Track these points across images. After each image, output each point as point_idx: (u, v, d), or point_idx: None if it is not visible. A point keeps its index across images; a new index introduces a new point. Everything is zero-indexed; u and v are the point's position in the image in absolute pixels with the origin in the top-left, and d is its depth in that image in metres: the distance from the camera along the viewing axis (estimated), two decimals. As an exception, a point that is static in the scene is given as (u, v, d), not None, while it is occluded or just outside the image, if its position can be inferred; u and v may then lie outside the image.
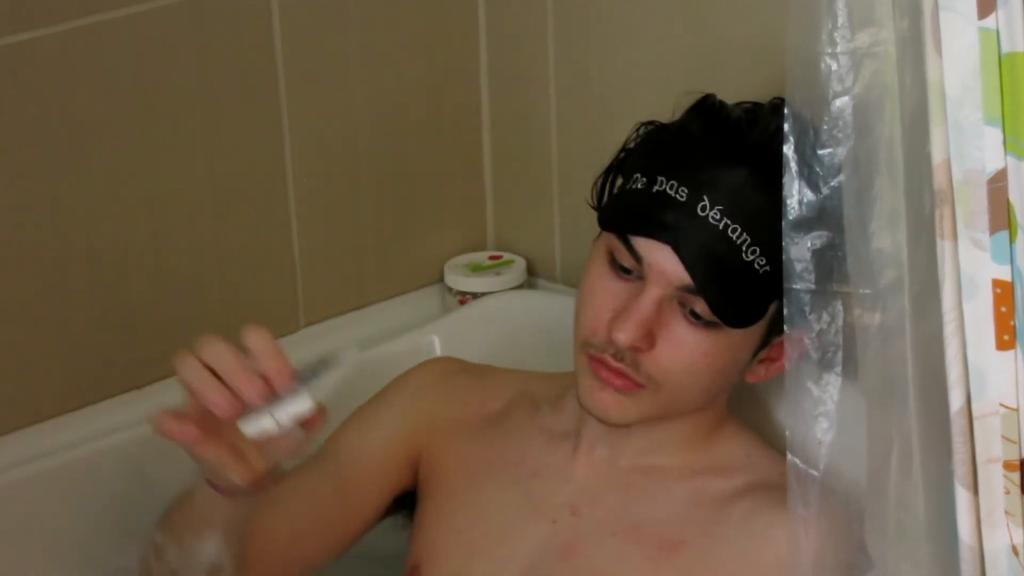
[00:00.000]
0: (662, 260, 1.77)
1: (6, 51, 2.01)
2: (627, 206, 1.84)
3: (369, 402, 2.01)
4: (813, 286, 1.58)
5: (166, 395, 2.16)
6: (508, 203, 2.55)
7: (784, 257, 1.59)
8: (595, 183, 1.93)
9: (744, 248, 1.78)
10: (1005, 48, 1.44)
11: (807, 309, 1.59)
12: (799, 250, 1.58)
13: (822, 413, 1.60)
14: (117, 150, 2.12)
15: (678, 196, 1.78)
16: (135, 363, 2.19)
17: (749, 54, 2.10)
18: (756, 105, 1.89)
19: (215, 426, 1.62)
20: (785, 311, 1.60)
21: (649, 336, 1.78)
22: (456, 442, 1.98)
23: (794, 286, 1.59)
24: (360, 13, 2.30)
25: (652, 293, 1.78)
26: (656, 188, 1.80)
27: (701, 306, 1.77)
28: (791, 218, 1.58)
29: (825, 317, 1.58)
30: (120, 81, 2.12)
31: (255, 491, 1.68)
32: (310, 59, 2.25)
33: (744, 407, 2.04)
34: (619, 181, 1.91)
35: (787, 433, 1.65)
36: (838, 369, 1.59)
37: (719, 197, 1.78)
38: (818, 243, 1.57)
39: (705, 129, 1.85)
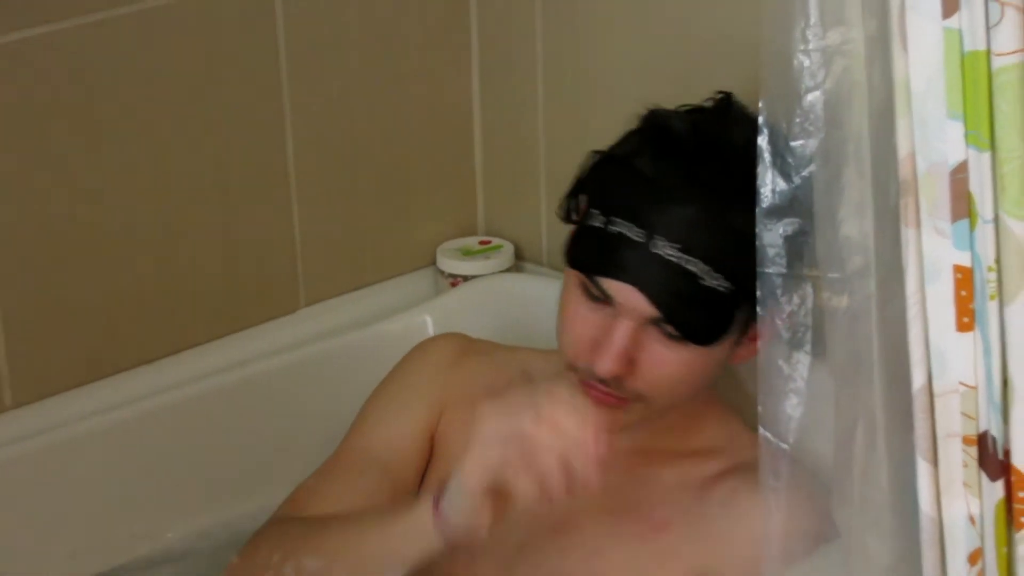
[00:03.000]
0: (628, 298, 1.78)
1: (26, 43, 2.01)
2: (588, 246, 1.84)
3: (386, 388, 2.01)
4: (784, 270, 1.58)
5: (174, 370, 2.18)
6: (497, 192, 2.56)
7: (757, 243, 1.59)
8: (559, 207, 1.92)
9: (704, 276, 1.79)
10: (967, 47, 1.44)
11: (779, 292, 1.59)
12: (772, 236, 1.58)
13: (792, 390, 1.60)
14: (128, 137, 2.13)
15: (635, 237, 1.79)
16: (144, 338, 2.19)
17: (727, 47, 2.09)
18: (702, 115, 1.89)
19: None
20: (758, 293, 1.60)
21: (629, 363, 1.79)
22: (461, 417, 1.96)
23: (767, 270, 1.59)
24: (360, 7, 2.30)
25: (625, 325, 1.79)
26: (612, 228, 1.81)
27: (672, 328, 1.79)
28: (764, 206, 1.57)
29: (796, 299, 1.58)
30: (131, 72, 2.12)
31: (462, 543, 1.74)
32: (311, 52, 2.26)
33: (730, 391, 2.06)
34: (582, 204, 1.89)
35: (759, 408, 1.65)
36: (807, 348, 1.59)
37: (674, 233, 1.78)
38: (790, 229, 1.57)
39: (655, 166, 1.84)
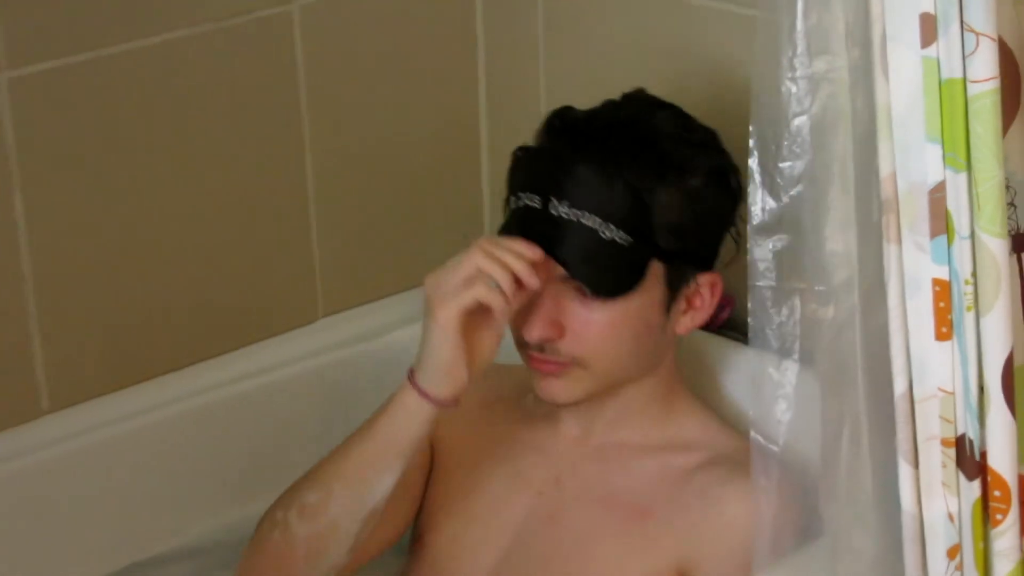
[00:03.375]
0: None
1: (63, 72, 2.01)
2: (506, 225, 1.87)
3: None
4: (774, 283, 1.58)
5: (201, 377, 2.19)
6: (503, 211, 2.56)
7: (749, 258, 1.59)
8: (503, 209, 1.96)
9: (602, 229, 1.79)
10: (945, 74, 1.45)
11: (769, 304, 1.59)
12: (762, 251, 1.57)
13: (781, 395, 1.61)
14: (157, 160, 2.12)
15: (534, 204, 1.82)
16: (172, 347, 2.19)
17: (719, 74, 2.10)
18: (606, 102, 1.94)
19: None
20: (750, 305, 1.60)
21: (556, 325, 1.81)
22: (456, 428, 1.98)
23: (757, 283, 1.58)
24: (373, 40, 2.31)
25: (545, 291, 1.81)
26: (518, 204, 1.84)
27: (582, 285, 1.81)
28: (755, 223, 1.57)
29: (785, 311, 1.58)
30: (159, 98, 2.12)
31: (454, 403, 1.80)
32: (328, 77, 2.25)
33: (700, 384, 2.06)
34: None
35: (750, 413, 1.66)
36: (796, 356, 1.59)
37: (567, 193, 1.80)
38: (779, 245, 1.57)
39: (548, 140, 1.89)
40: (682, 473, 1.88)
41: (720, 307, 2.06)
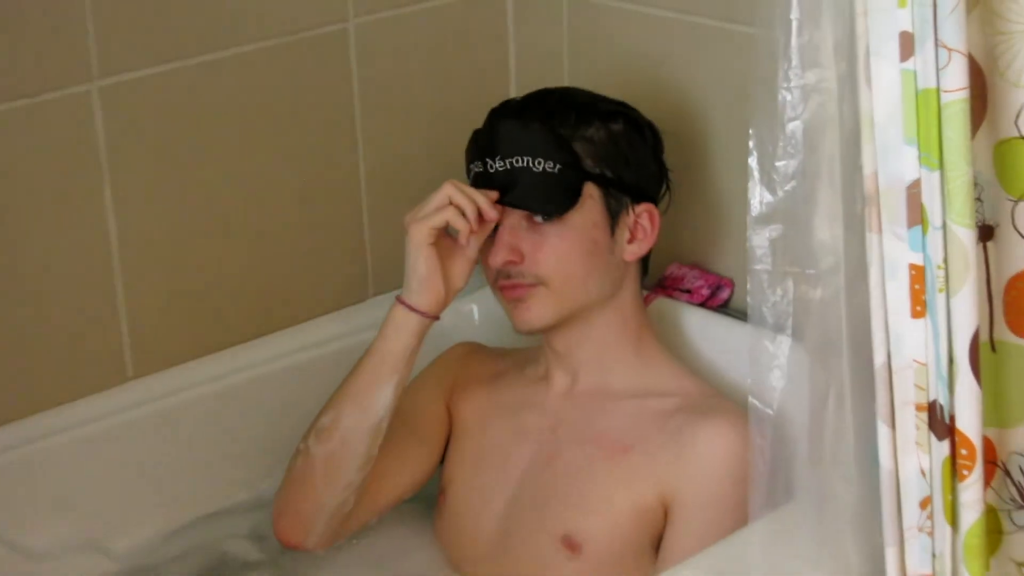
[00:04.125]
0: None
1: (148, 81, 2.02)
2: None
3: (420, 375, 2.04)
4: (770, 268, 1.58)
5: (267, 347, 2.19)
6: None
7: (748, 244, 1.59)
8: None
9: (534, 165, 1.86)
10: (921, 85, 1.46)
11: (765, 285, 1.59)
12: (759, 239, 1.58)
13: (776, 366, 1.61)
14: (229, 155, 2.12)
15: (482, 169, 1.90)
16: (242, 320, 2.20)
17: (727, 84, 2.10)
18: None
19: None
20: (749, 287, 1.60)
21: (515, 251, 1.87)
22: (471, 396, 2.02)
23: (756, 267, 1.59)
24: (418, 55, 2.29)
25: (503, 225, 1.88)
26: (473, 172, 1.92)
27: (529, 212, 1.87)
28: (753, 215, 1.58)
29: (779, 291, 1.58)
30: (231, 102, 2.10)
31: (434, 315, 1.88)
32: (379, 87, 2.24)
33: (702, 357, 2.08)
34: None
35: (748, 381, 1.65)
36: (789, 332, 1.59)
37: (502, 149, 1.88)
38: (774, 234, 1.57)
39: (488, 120, 1.95)
40: (659, 415, 1.89)
41: (720, 288, 2.11)
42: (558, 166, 1.85)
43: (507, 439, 1.97)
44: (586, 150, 1.88)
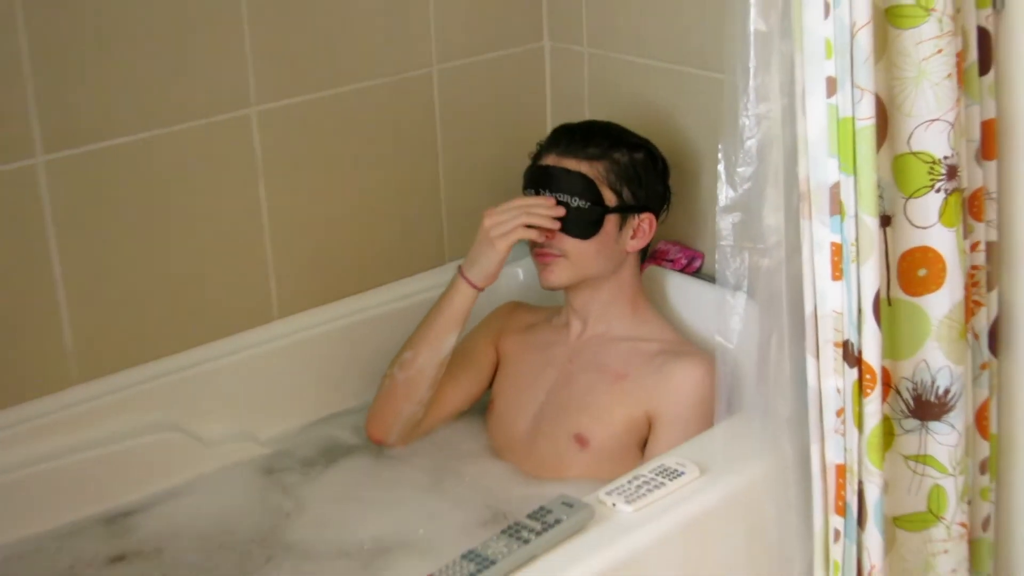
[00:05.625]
0: None
1: (298, 107, 1.98)
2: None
3: (479, 324, 2.02)
4: (732, 244, 1.57)
5: (375, 298, 2.16)
6: None
7: (716, 227, 1.58)
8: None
9: (569, 200, 1.85)
10: (841, 115, 1.46)
11: (728, 256, 1.59)
12: (725, 223, 1.57)
13: (735, 314, 1.61)
14: (347, 163, 2.09)
15: (535, 194, 1.87)
16: (353, 276, 2.15)
17: (704, 114, 2.05)
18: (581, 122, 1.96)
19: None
20: (716, 258, 1.59)
21: (552, 237, 1.86)
22: (513, 338, 2.00)
23: (721, 243, 1.58)
24: (479, 91, 2.22)
25: None
26: (527, 194, 1.89)
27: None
28: (721, 206, 1.57)
29: (738, 261, 1.58)
30: (345, 127, 2.05)
31: (483, 288, 1.87)
32: (455, 112, 2.19)
33: (679, 310, 2.05)
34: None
35: (715, 325, 1.64)
36: (745, 290, 1.59)
37: (547, 186, 1.86)
38: (735, 220, 1.57)
39: (538, 153, 1.93)
40: (647, 355, 1.88)
41: (694, 259, 2.09)
42: (588, 203, 1.85)
43: (537, 367, 1.96)
44: (611, 168, 1.87)
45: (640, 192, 1.90)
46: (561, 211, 1.84)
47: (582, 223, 1.85)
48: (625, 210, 1.88)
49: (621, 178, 1.88)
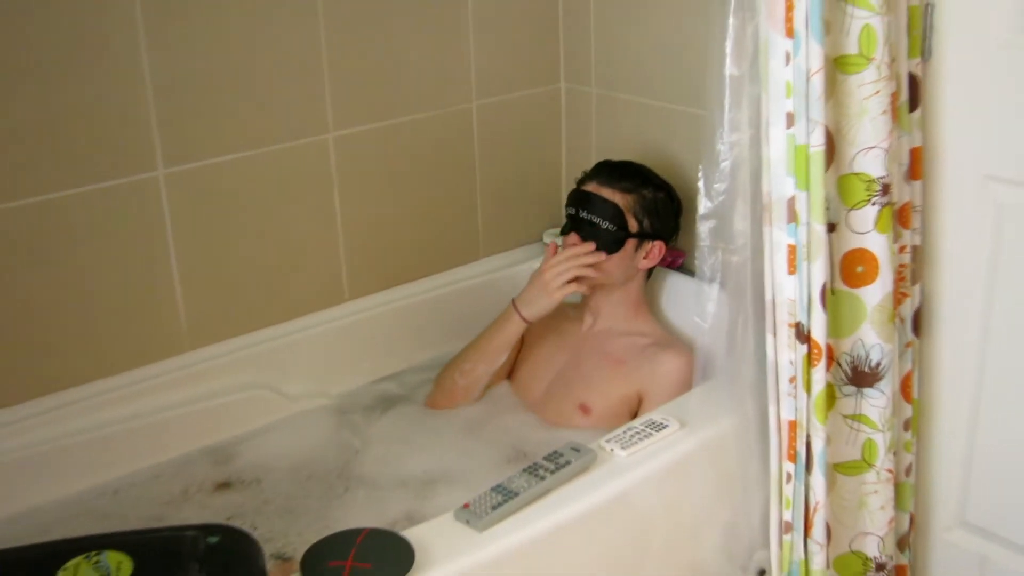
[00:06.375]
0: (574, 235, 1.85)
1: (364, 135, 1.97)
2: (564, 227, 1.89)
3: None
4: (709, 244, 1.57)
5: (427, 284, 2.14)
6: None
7: (697, 230, 1.57)
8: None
9: (600, 222, 1.84)
10: (798, 142, 1.45)
11: (706, 255, 1.58)
12: (704, 228, 1.56)
13: (710, 300, 1.60)
14: (409, 179, 2.08)
15: (575, 212, 1.85)
16: (406, 268, 2.13)
17: (689, 142, 2.02)
18: (608, 160, 1.93)
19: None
20: (696, 256, 1.58)
21: (579, 243, 1.84)
22: (537, 326, 1.94)
23: (701, 244, 1.57)
24: (510, 121, 2.19)
25: (575, 237, 1.85)
26: (568, 212, 1.87)
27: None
28: (700, 214, 1.55)
29: (713, 258, 1.58)
30: (407, 149, 2.03)
31: (532, 322, 1.85)
32: (490, 143, 2.14)
33: (666, 298, 2.03)
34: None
35: (695, 309, 1.63)
36: (718, 281, 1.58)
37: (584, 208, 1.84)
38: (712, 225, 1.56)
39: (581, 180, 1.90)
40: (641, 347, 1.87)
41: (677, 257, 2.07)
42: (615, 227, 1.85)
43: (553, 348, 1.95)
44: (638, 201, 1.87)
45: (657, 224, 1.89)
46: (601, 257, 1.84)
47: (608, 241, 1.85)
48: (642, 236, 1.88)
49: (644, 210, 1.88)
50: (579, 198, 1.87)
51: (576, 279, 1.83)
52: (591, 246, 1.83)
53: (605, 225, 1.84)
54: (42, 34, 1.61)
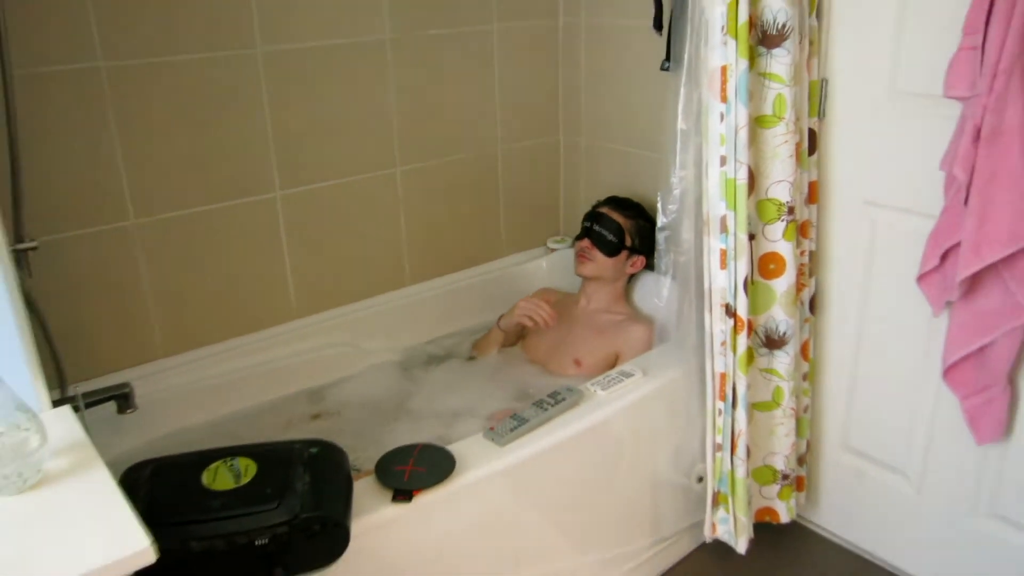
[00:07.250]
0: (586, 241, 1.86)
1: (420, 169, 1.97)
2: (579, 234, 1.89)
3: (526, 297, 1.93)
4: (664, 248, 1.59)
5: (468, 274, 2.12)
6: (570, 216, 2.24)
7: (656, 239, 1.59)
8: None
9: (605, 233, 1.85)
10: (729, 176, 1.46)
11: (662, 256, 1.59)
12: (661, 237, 1.58)
13: (666, 288, 1.63)
14: (453, 191, 2.03)
15: (587, 225, 1.86)
16: (449, 261, 2.07)
17: (652, 177, 1.99)
18: (612, 196, 1.93)
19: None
20: (655, 258, 1.61)
21: (589, 248, 1.86)
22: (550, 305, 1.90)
23: (659, 248, 1.59)
24: (524, 163, 2.13)
25: (587, 243, 1.85)
26: (583, 224, 1.88)
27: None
28: (658, 227, 1.57)
29: (668, 259, 1.59)
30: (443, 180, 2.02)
31: (513, 341, 1.87)
32: (506, 174, 2.10)
33: (636, 300, 1.97)
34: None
35: (656, 295, 1.68)
36: (671, 274, 1.60)
37: (596, 222, 1.84)
38: (667, 235, 1.57)
39: (597, 204, 1.91)
40: (618, 321, 1.86)
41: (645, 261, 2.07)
42: (616, 239, 1.85)
43: (558, 321, 1.90)
44: (634, 227, 1.87)
45: (643, 244, 1.90)
46: (553, 318, 1.79)
47: (609, 247, 1.85)
48: (632, 251, 1.89)
49: (636, 232, 1.89)
50: (595, 216, 1.88)
51: (531, 319, 1.82)
52: (551, 311, 1.80)
53: (610, 237, 1.85)
54: (195, 89, 1.64)
